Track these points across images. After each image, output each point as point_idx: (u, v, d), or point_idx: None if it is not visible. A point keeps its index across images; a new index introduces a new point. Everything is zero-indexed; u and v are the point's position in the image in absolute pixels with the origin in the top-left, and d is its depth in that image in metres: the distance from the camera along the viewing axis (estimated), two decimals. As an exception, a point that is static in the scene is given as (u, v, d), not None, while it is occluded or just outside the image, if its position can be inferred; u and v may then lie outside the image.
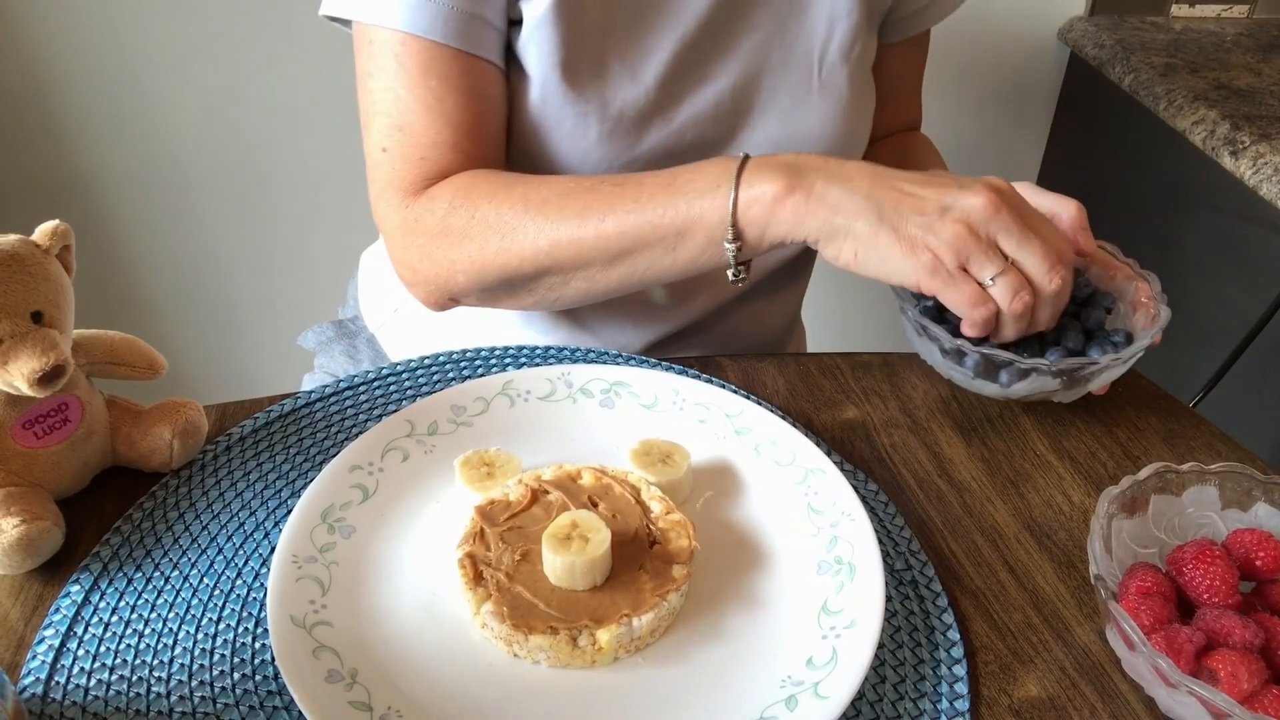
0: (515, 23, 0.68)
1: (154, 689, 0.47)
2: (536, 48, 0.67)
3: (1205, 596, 0.49)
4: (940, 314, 0.64)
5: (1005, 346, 0.61)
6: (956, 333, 0.61)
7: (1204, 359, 1.27)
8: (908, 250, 0.56)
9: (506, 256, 0.64)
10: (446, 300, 0.70)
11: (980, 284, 0.57)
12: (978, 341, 0.61)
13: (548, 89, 0.68)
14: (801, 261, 0.89)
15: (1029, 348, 0.62)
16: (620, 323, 0.81)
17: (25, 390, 0.51)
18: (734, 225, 0.60)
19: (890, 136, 0.91)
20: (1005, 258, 0.57)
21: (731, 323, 0.86)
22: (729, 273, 0.63)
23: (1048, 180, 1.60)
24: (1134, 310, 0.65)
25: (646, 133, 0.72)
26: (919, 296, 0.65)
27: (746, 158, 0.60)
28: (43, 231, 0.55)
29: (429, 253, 0.67)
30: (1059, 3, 1.45)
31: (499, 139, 0.70)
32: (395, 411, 0.62)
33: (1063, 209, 0.64)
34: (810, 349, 1.01)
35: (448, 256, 0.66)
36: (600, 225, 0.62)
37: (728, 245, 0.60)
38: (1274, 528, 0.54)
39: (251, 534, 0.56)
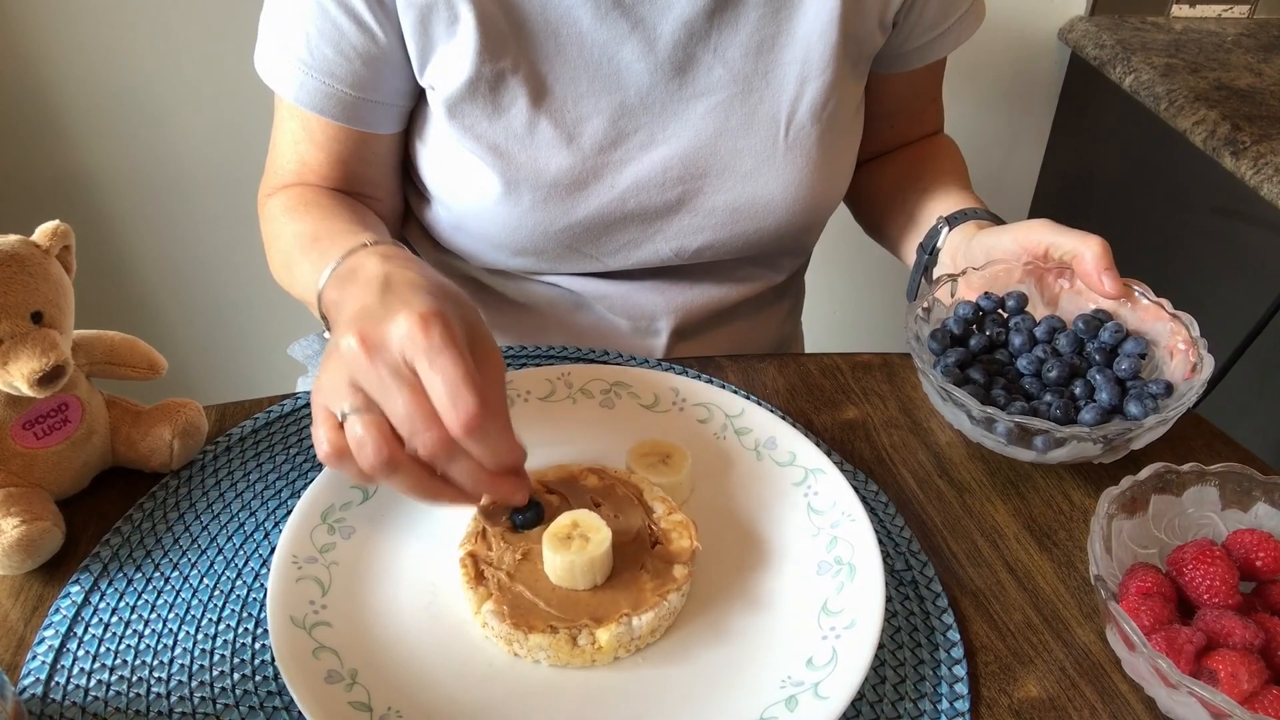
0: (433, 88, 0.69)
1: (154, 689, 0.47)
2: (460, 118, 0.68)
3: (1205, 597, 0.49)
4: (965, 375, 0.62)
5: (1036, 407, 0.58)
6: (985, 398, 0.59)
7: (1204, 359, 1.26)
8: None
9: (274, 257, 0.73)
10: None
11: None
12: (1008, 403, 0.58)
13: (474, 158, 0.69)
14: (785, 287, 0.87)
15: (1059, 399, 0.59)
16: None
17: (25, 390, 0.51)
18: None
19: (909, 145, 0.89)
20: (365, 398, 0.47)
21: (719, 347, 0.84)
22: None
23: (1048, 180, 1.60)
24: (1170, 357, 0.62)
25: (584, 198, 0.71)
26: (939, 354, 0.63)
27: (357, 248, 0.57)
28: (43, 231, 0.55)
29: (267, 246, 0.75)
30: (1059, 3, 1.45)
31: (371, 183, 0.75)
32: (395, 412, 0.62)
33: (1085, 248, 0.62)
34: (810, 349, 1.00)
35: (269, 250, 0.74)
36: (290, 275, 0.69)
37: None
38: (1274, 528, 0.54)
39: (251, 534, 0.56)
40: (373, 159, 0.74)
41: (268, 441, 0.62)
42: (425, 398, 0.45)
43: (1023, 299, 0.65)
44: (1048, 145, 1.59)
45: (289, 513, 0.54)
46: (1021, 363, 0.63)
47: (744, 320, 0.85)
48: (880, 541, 0.54)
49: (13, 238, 0.53)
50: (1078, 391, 0.61)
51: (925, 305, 0.65)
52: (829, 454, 0.62)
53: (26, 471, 0.54)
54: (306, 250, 0.65)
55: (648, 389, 0.65)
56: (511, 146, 0.69)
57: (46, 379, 0.51)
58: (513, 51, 0.67)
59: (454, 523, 0.54)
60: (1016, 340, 0.64)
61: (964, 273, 0.67)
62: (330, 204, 0.71)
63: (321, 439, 0.47)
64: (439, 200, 0.75)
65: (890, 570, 0.56)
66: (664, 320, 0.80)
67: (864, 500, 0.57)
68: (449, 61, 0.66)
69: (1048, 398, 0.60)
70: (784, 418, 0.64)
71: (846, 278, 1.59)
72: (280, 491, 0.59)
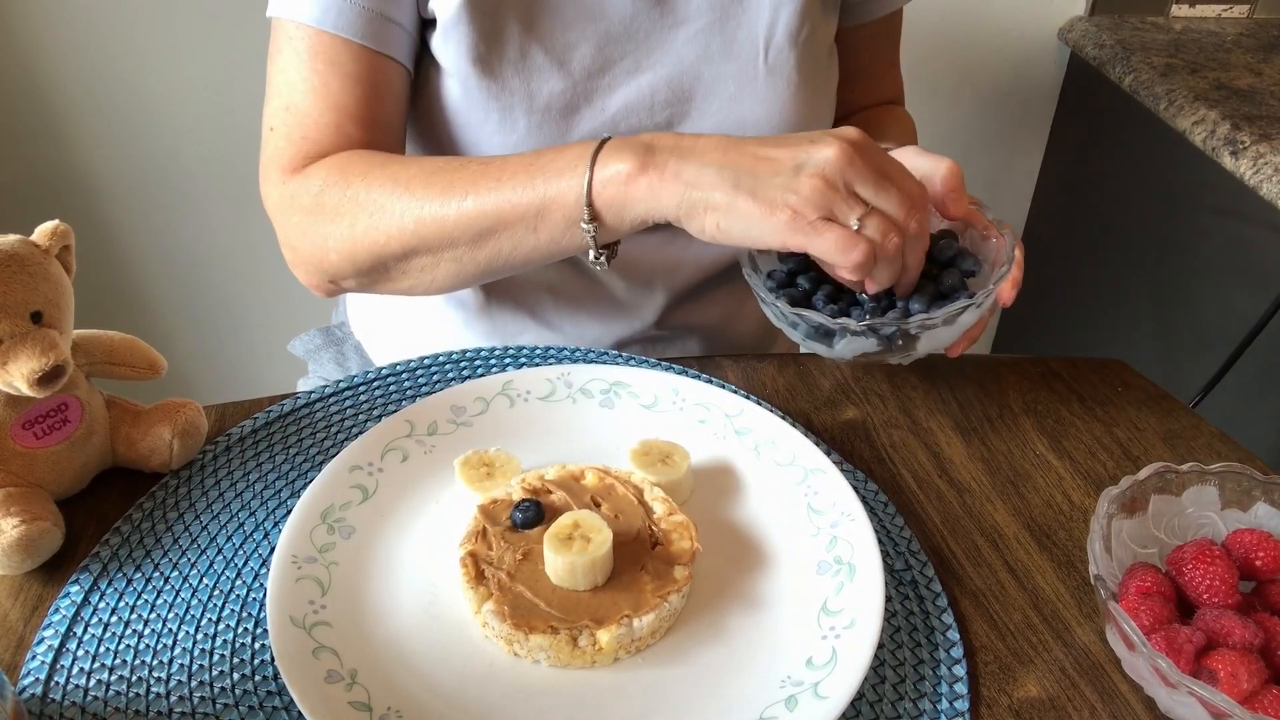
0: (430, 22, 0.69)
1: (154, 689, 0.47)
2: (454, 46, 0.68)
3: (1205, 596, 0.49)
4: (791, 281, 0.64)
5: (870, 311, 0.61)
6: (795, 302, 0.62)
7: (1204, 359, 1.27)
8: (767, 211, 0.56)
9: (375, 234, 0.65)
10: (327, 283, 0.71)
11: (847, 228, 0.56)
12: (804, 302, 0.62)
13: (469, 84, 0.69)
14: None
15: (872, 305, 0.62)
16: (581, 318, 0.82)
17: (25, 390, 0.51)
18: (590, 206, 0.59)
19: (864, 110, 0.91)
20: (865, 204, 0.56)
21: (709, 321, 0.85)
22: (590, 255, 0.63)
23: (1047, 180, 1.60)
24: (993, 270, 0.63)
25: (576, 123, 0.72)
26: (769, 274, 0.65)
27: (606, 140, 0.60)
28: (43, 231, 0.55)
29: (304, 231, 0.68)
30: (1059, 3, 1.45)
31: (391, 129, 0.71)
32: (395, 412, 0.62)
33: (937, 169, 0.64)
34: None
35: (321, 233, 0.67)
36: (462, 204, 0.62)
37: (584, 226, 0.60)
38: (1274, 528, 0.54)
39: (251, 534, 0.56)
40: (391, 97, 0.71)
41: (267, 441, 0.62)
42: (903, 192, 0.57)
43: None
44: (1047, 145, 1.59)
45: (289, 513, 0.54)
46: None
47: (740, 285, 0.85)
48: (880, 541, 0.54)
49: (12, 238, 0.53)
50: (898, 304, 0.62)
51: None
52: (829, 454, 0.62)
53: (26, 471, 0.54)
54: (500, 168, 0.62)
55: (648, 389, 0.65)
56: (506, 71, 0.69)
57: (46, 379, 0.51)
58: None
59: (454, 523, 0.54)
60: None
61: None
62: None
63: (852, 247, 0.55)
64: (433, 148, 0.74)
65: (890, 570, 0.56)
66: (660, 280, 0.81)
67: (864, 500, 0.57)
68: None
69: (870, 303, 0.62)
70: (784, 418, 0.64)
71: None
72: (280, 491, 0.59)
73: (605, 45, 0.71)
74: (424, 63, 0.72)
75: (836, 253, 0.55)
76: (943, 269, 0.64)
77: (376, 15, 0.67)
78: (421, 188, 0.64)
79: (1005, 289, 0.63)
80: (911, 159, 0.64)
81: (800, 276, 0.65)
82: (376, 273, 0.68)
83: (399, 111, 0.72)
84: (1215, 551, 0.50)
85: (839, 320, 0.60)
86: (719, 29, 0.73)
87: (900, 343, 0.61)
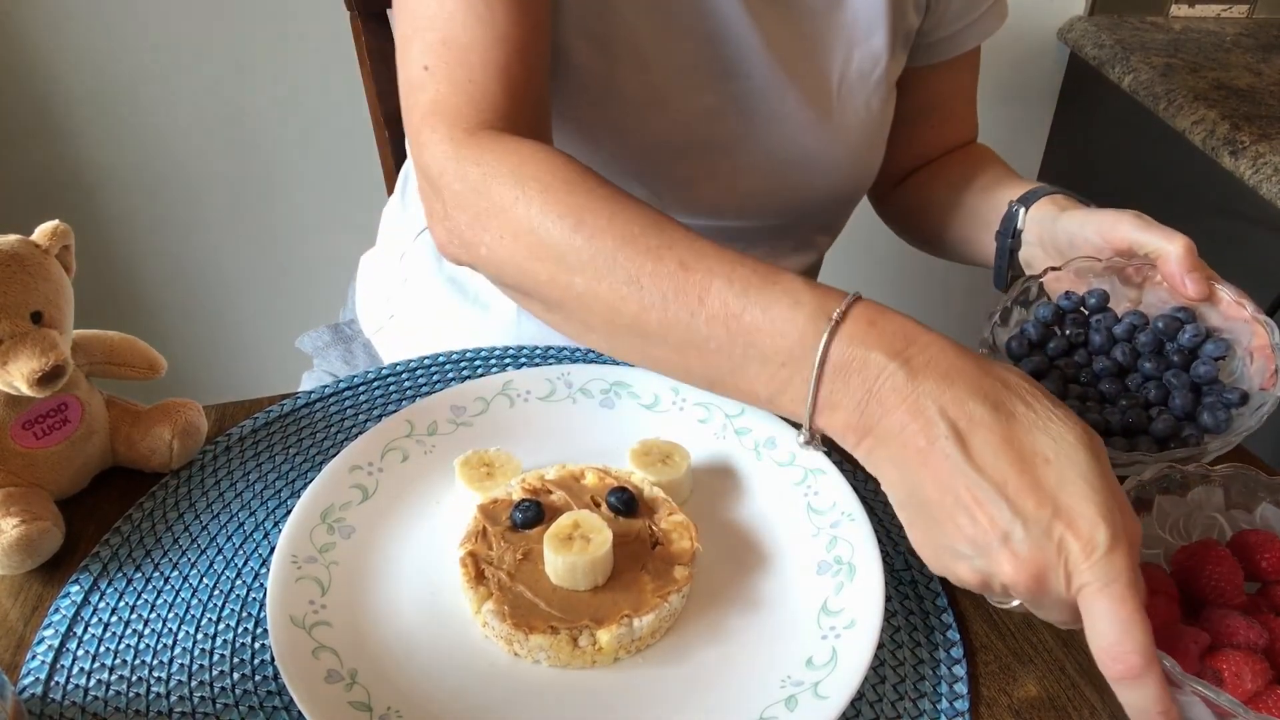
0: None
1: (154, 689, 0.47)
2: (567, 14, 0.66)
3: (1210, 597, 0.49)
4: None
5: (1107, 419, 0.57)
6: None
7: (1204, 359, 1.26)
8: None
9: (534, 267, 0.54)
10: (464, 259, 0.59)
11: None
12: (1081, 415, 0.56)
13: (579, 52, 0.67)
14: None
15: (1131, 404, 0.58)
16: None
17: (25, 390, 0.51)
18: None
19: (951, 152, 0.90)
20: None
21: None
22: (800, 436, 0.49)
23: (1047, 180, 1.60)
24: (1250, 360, 0.59)
25: (656, 117, 0.72)
26: (1016, 364, 0.61)
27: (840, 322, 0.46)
28: (43, 231, 0.55)
29: (464, 204, 0.56)
30: (1059, 3, 1.45)
31: (544, 71, 0.62)
32: (395, 412, 0.62)
33: (1170, 247, 0.60)
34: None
35: (480, 222, 0.56)
36: (644, 305, 0.50)
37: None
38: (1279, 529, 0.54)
39: (251, 534, 0.56)
40: (547, 38, 0.62)
41: (267, 441, 0.62)
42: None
43: (1104, 297, 0.64)
44: (1047, 145, 1.60)
45: (289, 512, 0.54)
46: (1099, 364, 0.62)
47: None
48: (880, 541, 0.54)
49: (12, 237, 0.53)
50: (1152, 396, 0.59)
51: (1004, 308, 0.65)
52: (829, 454, 0.62)
53: (26, 471, 0.54)
54: (704, 290, 0.48)
55: (648, 389, 0.65)
56: (617, 44, 0.68)
57: (46, 379, 0.51)
58: None
59: (454, 523, 0.54)
60: (1096, 339, 0.63)
61: (1045, 274, 0.66)
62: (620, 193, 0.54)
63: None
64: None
65: (890, 570, 0.56)
66: None
67: (864, 500, 0.57)
68: None
69: (1122, 403, 0.59)
70: (784, 418, 0.64)
71: (853, 276, 1.59)
72: (280, 491, 0.59)
73: (705, 43, 0.70)
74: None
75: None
76: (1192, 357, 0.60)
77: None
78: (607, 255, 0.51)
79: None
80: (1135, 234, 0.60)
81: (1046, 379, 0.60)
82: (517, 296, 0.59)
83: (547, 49, 0.62)
84: (1221, 552, 0.50)
85: (1128, 456, 0.54)
86: (800, 55, 0.73)
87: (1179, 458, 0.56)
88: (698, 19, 0.70)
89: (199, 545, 0.55)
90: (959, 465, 0.42)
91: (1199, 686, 0.43)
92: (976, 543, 0.42)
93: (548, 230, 0.52)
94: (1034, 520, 0.41)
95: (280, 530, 0.53)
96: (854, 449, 0.46)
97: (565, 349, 0.71)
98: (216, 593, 0.52)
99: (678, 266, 0.49)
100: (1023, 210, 0.74)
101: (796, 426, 0.49)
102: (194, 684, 0.48)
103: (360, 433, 0.62)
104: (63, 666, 0.48)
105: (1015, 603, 0.45)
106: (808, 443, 0.49)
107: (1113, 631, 0.40)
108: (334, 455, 0.58)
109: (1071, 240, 0.68)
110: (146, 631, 0.50)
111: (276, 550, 0.51)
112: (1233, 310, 0.62)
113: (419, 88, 0.59)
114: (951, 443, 0.42)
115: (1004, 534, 0.41)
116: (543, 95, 0.62)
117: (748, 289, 0.48)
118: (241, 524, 0.56)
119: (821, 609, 0.51)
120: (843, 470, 0.60)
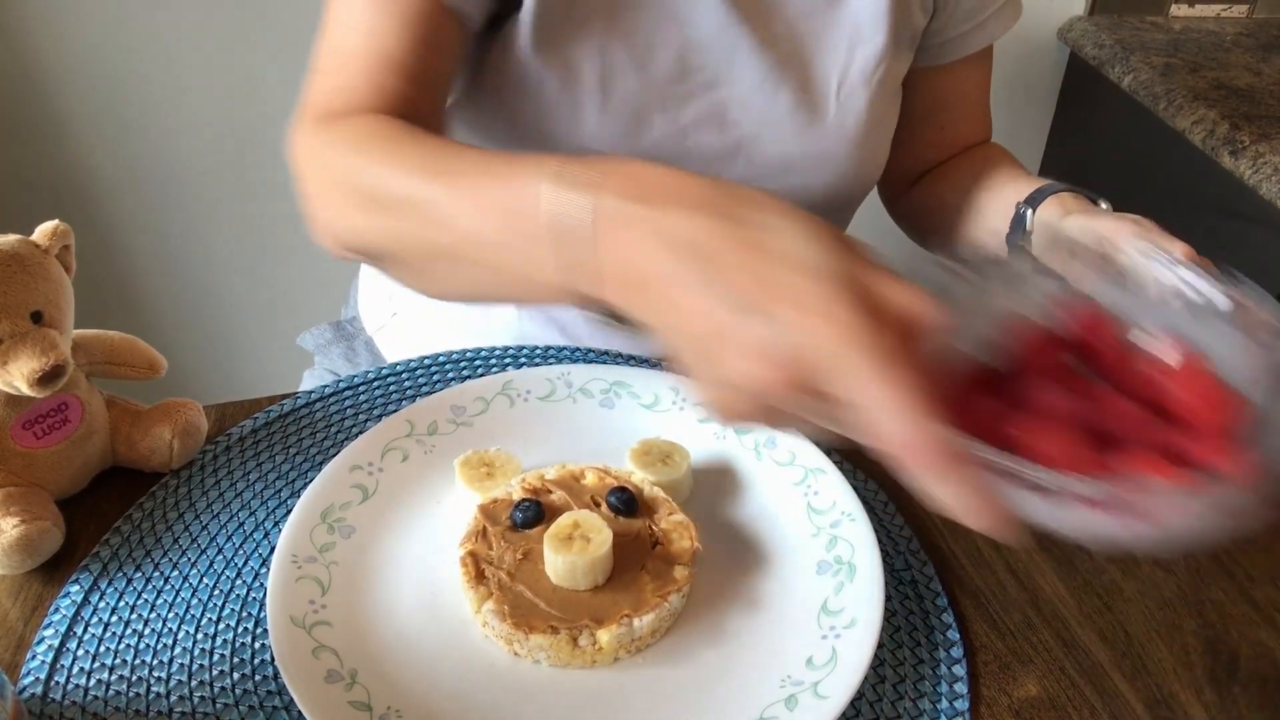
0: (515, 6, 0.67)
1: (154, 689, 0.47)
2: (531, 29, 0.66)
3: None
4: None
5: None
6: None
7: (1204, 359, 1.26)
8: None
9: (371, 222, 0.54)
10: (345, 243, 0.59)
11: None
12: None
13: (542, 72, 0.68)
14: None
15: None
16: (610, 333, 0.81)
17: (25, 390, 0.51)
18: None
19: (965, 152, 0.90)
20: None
21: None
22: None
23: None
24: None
25: (647, 128, 0.71)
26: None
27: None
28: (42, 231, 0.55)
29: (320, 189, 0.59)
30: (1059, 3, 1.45)
31: (435, 86, 0.64)
32: (395, 411, 0.62)
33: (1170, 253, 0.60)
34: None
35: (327, 195, 0.58)
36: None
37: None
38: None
39: (251, 534, 0.56)
40: (444, 53, 0.64)
41: (267, 441, 0.62)
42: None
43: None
44: (1046, 144, 1.59)
45: (289, 512, 0.54)
46: None
47: None
48: (880, 541, 0.54)
49: (12, 237, 0.53)
50: None
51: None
52: (829, 454, 0.62)
53: (26, 471, 0.54)
54: (476, 161, 0.49)
55: (648, 389, 0.65)
56: (582, 65, 0.68)
57: (46, 379, 0.51)
58: None
59: (454, 522, 0.54)
60: None
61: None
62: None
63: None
64: (498, 124, 0.72)
65: (890, 570, 0.56)
66: None
67: (864, 500, 0.57)
68: None
69: None
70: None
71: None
72: (280, 491, 0.59)
73: (687, 52, 0.70)
74: (500, 36, 0.69)
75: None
76: None
77: None
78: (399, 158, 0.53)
79: None
80: (1137, 241, 0.60)
81: None
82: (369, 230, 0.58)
83: (449, 70, 0.65)
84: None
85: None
86: (798, 57, 0.72)
87: None
88: (676, 30, 0.70)
89: (199, 545, 0.55)
90: (699, 285, 0.39)
91: (1010, 463, 0.37)
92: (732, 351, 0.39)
93: (373, 180, 0.53)
94: (773, 317, 0.38)
95: (280, 530, 0.53)
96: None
97: (565, 349, 0.71)
98: (216, 593, 0.52)
99: (472, 156, 0.50)
100: (1030, 212, 0.74)
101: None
102: (194, 684, 0.48)
103: (360, 433, 0.62)
104: (63, 666, 0.48)
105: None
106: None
107: (887, 417, 0.37)
108: (334, 455, 0.58)
109: (1073, 248, 0.68)
110: (146, 631, 0.50)
111: (276, 550, 0.51)
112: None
113: (305, 88, 0.64)
114: (687, 264, 0.40)
115: (759, 341, 0.38)
116: (429, 96, 0.63)
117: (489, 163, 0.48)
118: (241, 524, 0.56)
119: (821, 609, 0.51)
120: (843, 470, 0.60)
